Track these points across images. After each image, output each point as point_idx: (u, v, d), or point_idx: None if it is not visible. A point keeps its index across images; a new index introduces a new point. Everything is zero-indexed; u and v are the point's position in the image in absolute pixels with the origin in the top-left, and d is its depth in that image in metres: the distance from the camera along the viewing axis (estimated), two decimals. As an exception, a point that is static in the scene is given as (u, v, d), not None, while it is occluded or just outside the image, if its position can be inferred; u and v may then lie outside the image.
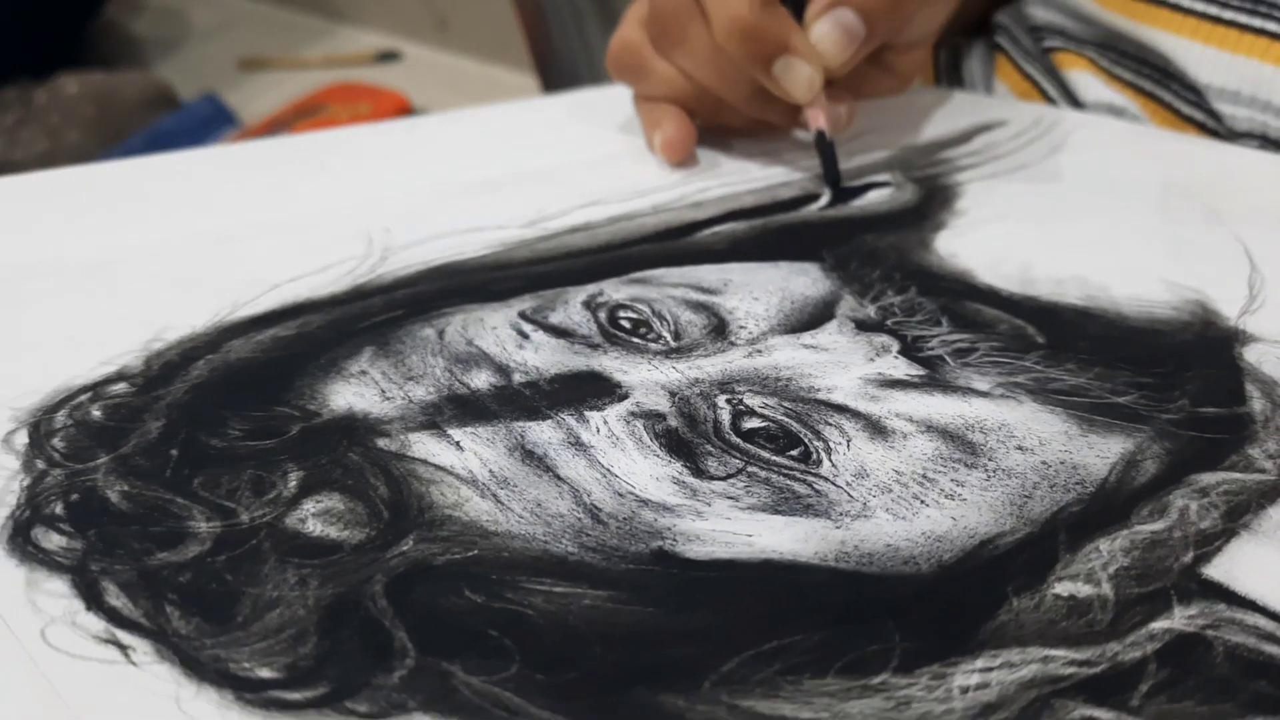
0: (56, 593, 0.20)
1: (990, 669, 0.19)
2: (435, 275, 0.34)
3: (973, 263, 0.37)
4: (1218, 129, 0.48)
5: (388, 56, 1.40)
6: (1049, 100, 0.55)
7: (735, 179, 0.44)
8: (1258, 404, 0.28)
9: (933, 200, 0.42)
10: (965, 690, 0.19)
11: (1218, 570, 0.22)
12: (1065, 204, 0.42)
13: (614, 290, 0.33)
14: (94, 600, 0.20)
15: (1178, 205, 0.42)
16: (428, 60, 1.37)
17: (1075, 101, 0.53)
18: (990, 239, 0.39)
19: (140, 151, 1.30)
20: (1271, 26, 0.46)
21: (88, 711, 0.18)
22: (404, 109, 1.17)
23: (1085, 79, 0.53)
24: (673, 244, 0.38)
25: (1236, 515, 0.24)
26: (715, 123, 0.46)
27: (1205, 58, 0.48)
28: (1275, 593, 0.21)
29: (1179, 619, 0.21)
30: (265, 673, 0.19)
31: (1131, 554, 0.22)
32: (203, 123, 1.33)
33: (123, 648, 0.19)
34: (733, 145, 0.47)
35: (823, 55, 0.41)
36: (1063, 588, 0.21)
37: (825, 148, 0.43)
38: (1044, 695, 0.19)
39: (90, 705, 0.18)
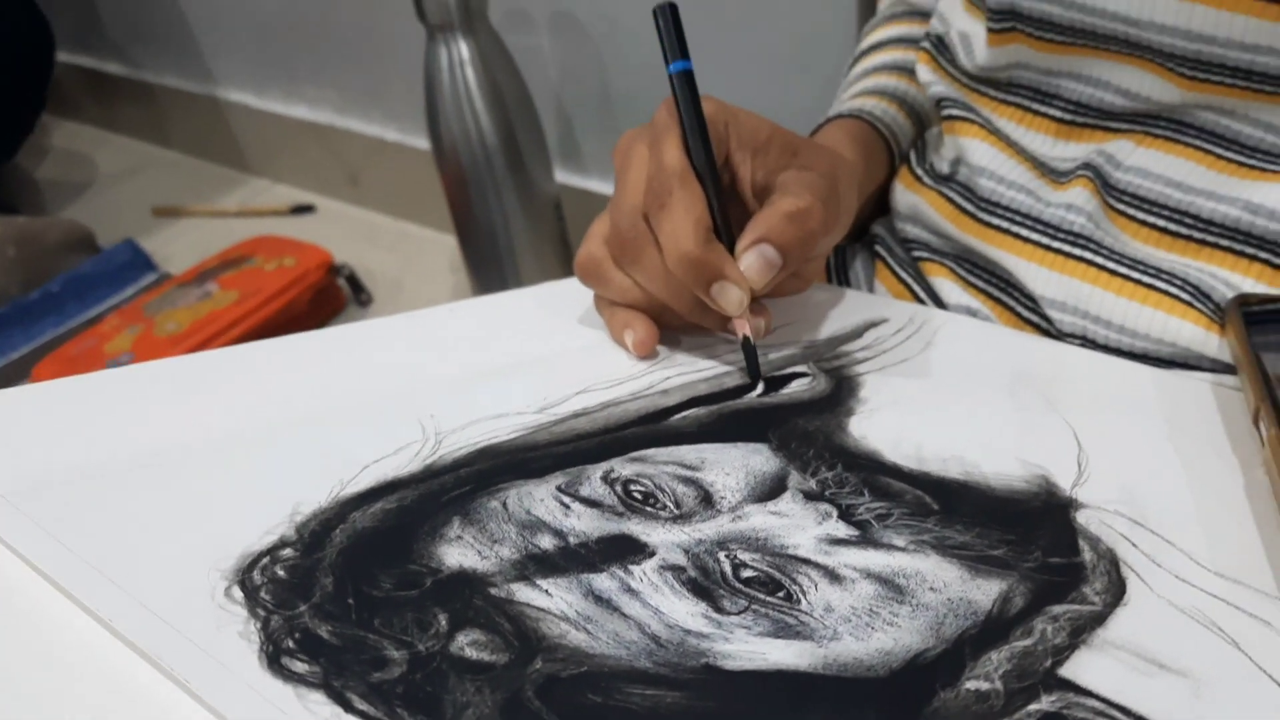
0: (320, 702, 0.30)
1: (933, 737, 0.30)
2: (484, 456, 0.44)
3: (879, 444, 0.49)
4: (1050, 330, 0.62)
5: (302, 209, 1.49)
6: (919, 300, 0.68)
7: (688, 369, 0.55)
8: (1088, 555, 0.40)
9: (842, 389, 0.54)
10: (920, 750, 0.30)
11: (1068, 671, 0.34)
12: (940, 393, 0.55)
13: (622, 467, 0.44)
14: (348, 707, 0.29)
15: (1023, 394, 0.55)
16: (341, 213, 1.47)
17: (940, 303, 0.67)
18: (889, 424, 0.51)
19: (60, 294, 1.35)
20: (1088, 255, 0.60)
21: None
22: (326, 262, 1.25)
23: (946, 285, 0.67)
24: (654, 427, 0.49)
25: (1078, 634, 0.35)
26: (661, 323, 0.58)
27: (1039, 275, 0.62)
28: (1105, 685, 0.33)
29: (1045, 704, 0.32)
30: (481, 749, 0.28)
31: (1012, 661, 0.34)
32: (122, 268, 1.39)
33: (383, 736, 0.28)
34: (680, 340, 0.58)
35: (750, 280, 0.52)
36: (971, 684, 0.33)
37: (749, 350, 0.54)
38: (968, 752, 0.30)
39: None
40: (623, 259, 0.55)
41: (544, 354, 0.56)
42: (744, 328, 0.53)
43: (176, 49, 1.55)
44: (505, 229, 1.16)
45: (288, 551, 0.36)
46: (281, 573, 0.35)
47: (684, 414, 0.50)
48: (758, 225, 0.53)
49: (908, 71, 0.77)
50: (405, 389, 0.50)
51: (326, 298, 1.26)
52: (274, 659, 0.31)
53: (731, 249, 0.53)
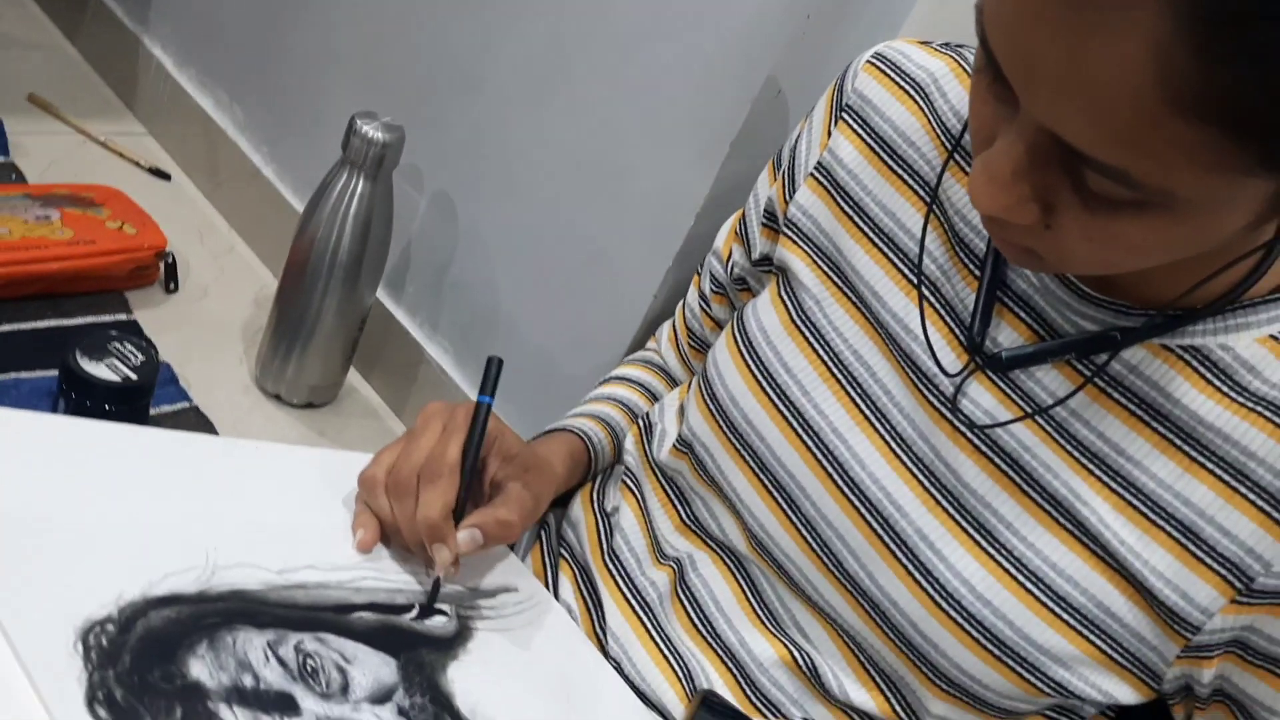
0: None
1: None
2: (235, 598, 0.70)
3: (459, 691, 0.77)
4: (606, 651, 0.93)
5: (159, 174, 1.64)
6: (546, 584, 0.99)
7: (382, 574, 0.83)
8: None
9: (460, 636, 0.83)
10: None
11: None
12: (509, 669, 0.84)
13: (309, 643, 0.71)
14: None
15: (556, 698, 0.85)
16: (190, 197, 1.62)
17: (557, 593, 0.98)
18: (471, 679, 0.79)
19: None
20: (647, 623, 0.92)
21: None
22: (160, 247, 1.42)
23: (566, 585, 0.97)
24: (339, 618, 0.76)
25: None
26: (389, 535, 0.86)
27: (616, 618, 0.93)
28: None
29: None
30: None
31: None
32: (-23, 143, 1.51)
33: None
34: (389, 546, 0.86)
35: (458, 547, 0.82)
36: None
37: (435, 586, 0.83)
38: None
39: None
40: (391, 491, 0.83)
41: (302, 521, 0.82)
42: (440, 573, 0.82)
43: (129, -18, 1.71)
44: (316, 313, 1.39)
45: (110, 627, 0.61)
46: (104, 642, 0.60)
47: (361, 614, 0.78)
48: (478, 516, 0.83)
49: (630, 410, 1.10)
50: (204, 514, 0.76)
51: (143, 272, 1.45)
52: (89, 704, 0.56)
53: (459, 521, 0.83)
